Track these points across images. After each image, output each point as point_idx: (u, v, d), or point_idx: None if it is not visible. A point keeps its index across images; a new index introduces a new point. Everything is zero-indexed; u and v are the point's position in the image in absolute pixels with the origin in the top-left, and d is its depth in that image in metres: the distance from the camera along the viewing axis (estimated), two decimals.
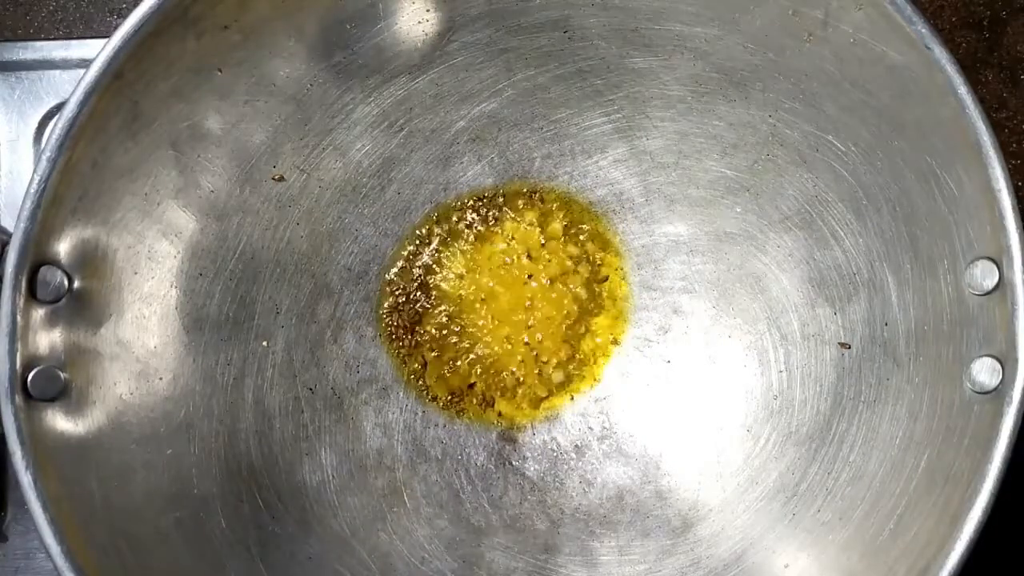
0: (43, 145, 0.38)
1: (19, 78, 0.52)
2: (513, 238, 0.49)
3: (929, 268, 0.40)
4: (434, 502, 0.47)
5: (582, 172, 0.49)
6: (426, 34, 0.45)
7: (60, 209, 0.38)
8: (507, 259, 0.49)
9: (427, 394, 0.49)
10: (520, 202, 0.49)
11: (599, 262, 0.49)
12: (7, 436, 0.37)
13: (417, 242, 0.49)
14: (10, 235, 0.37)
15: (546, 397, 0.49)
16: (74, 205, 0.39)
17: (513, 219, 0.49)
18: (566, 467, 0.48)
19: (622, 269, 0.49)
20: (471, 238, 0.49)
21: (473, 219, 0.49)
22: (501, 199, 0.49)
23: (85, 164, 0.39)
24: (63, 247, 0.39)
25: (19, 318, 0.37)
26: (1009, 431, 0.35)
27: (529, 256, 0.49)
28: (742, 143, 0.46)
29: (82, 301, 0.40)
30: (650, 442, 0.48)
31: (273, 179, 0.46)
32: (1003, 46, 0.55)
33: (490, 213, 0.49)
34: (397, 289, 0.49)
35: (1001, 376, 0.36)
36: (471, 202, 0.49)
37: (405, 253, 0.49)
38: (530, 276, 0.49)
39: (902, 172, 0.41)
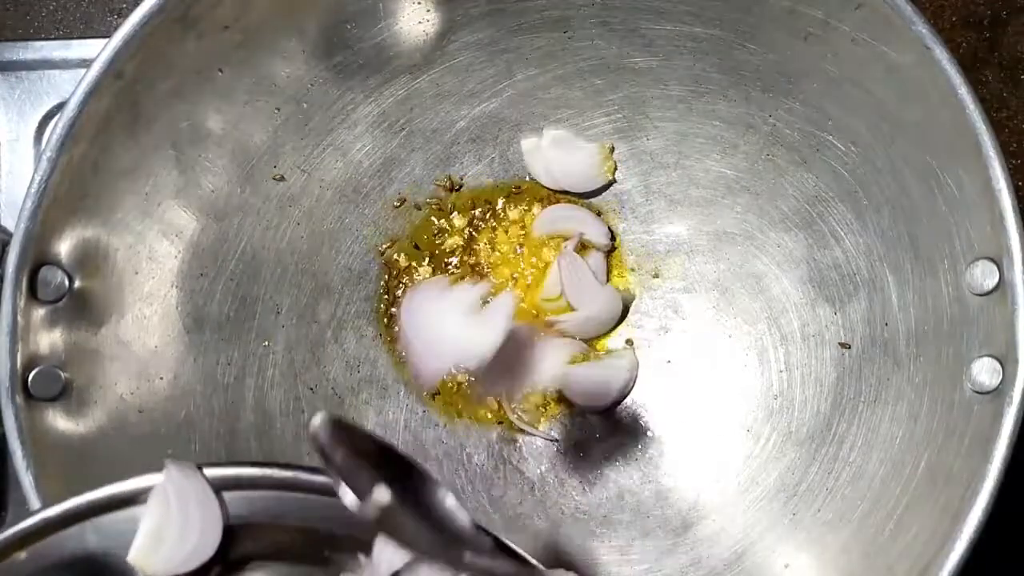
0: (44, 145, 0.38)
1: (19, 78, 0.53)
2: (513, 238, 0.49)
3: (929, 268, 0.40)
4: None
5: None
6: (427, 34, 0.45)
7: (61, 209, 0.38)
8: (508, 259, 0.49)
9: (427, 394, 0.49)
10: (520, 202, 0.49)
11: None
12: (8, 436, 0.37)
13: (417, 242, 0.49)
14: (11, 235, 0.37)
15: (547, 402, 0.49)
16: (75, 205, 0.39)
17: (513, 219, 0.49)
18: (566, 467, 0.48)
19: (622, 269, 0.49)
20: (472, 238, 0.49)
21: (474, 219, 0.49)
22: (502, 199, 0.49)
23: (86, 164, 0.39)
24: (64, 247, 0.39)
25: (20, 318, 0.37)
26: (1009, 431, 0.35)
27: (529, 256, 0.49)
28: (742, 143, 0.46)
29: (83, 301, 0.40)
30: (650, 442, 0.48)
31: (274, 179, 0.46)
32: (1003, 46, 0.55)
33: (490, 213, 0.49)
34: (398, 289, 0.49)
35: (1001, 376, 0.36)
36: (472, 202, 0.49)
37: (406, 253, 0.49)
38: (530, 276, 0.49)
39: (902, 172, 0.41)
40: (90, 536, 0.29)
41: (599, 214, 0.49)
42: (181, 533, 0.29)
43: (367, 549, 0.30)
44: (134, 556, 0.29)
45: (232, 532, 0.30)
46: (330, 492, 0.29)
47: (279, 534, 0.30)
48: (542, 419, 0.49)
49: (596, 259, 0.48)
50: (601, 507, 0.47)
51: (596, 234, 0.48)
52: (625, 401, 0.49)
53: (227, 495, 0.30)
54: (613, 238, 0.49)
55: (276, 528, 0.30)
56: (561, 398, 0.48)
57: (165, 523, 0.29)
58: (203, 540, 0.29)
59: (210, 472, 0.29)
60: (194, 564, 0.29)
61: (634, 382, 0.48)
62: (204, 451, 0.43)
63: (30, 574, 0.29)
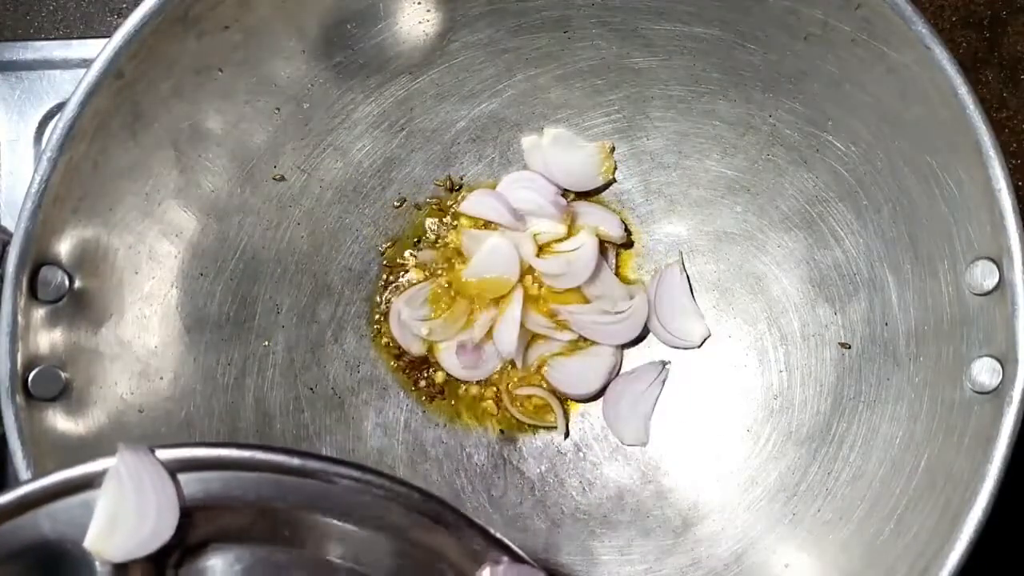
0: (44, 145, 0.38)
1: (19, 78, 0.53)
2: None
3: (929, 268, 0.40)
4: None
5: None
6: (427, 34, 0.45)
7: (61, 209, 0.38)
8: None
9: (426, 395, 0.49)
10: None
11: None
12: (8, 436, 0.37)
13: (417, 242, 0.49)
14: (11, 235, 0.37)
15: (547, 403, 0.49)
16: (75, 205, 0.39)
17: None
18: (566, 467, 0.48)
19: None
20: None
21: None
22: None
23: (86, 164, 0.39)
24: (64, 247, 0.39)
25: (20, 318, 0.37)
26: (1009, 431, 0.35)
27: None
28: (742, 143, 0.46)
29: (83, 301, 0.40)
30: (650, 442, 0.48)
31: (274, 179, 0.46)
32: (1003, 46, 0.55)
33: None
34: (395, 290, 0.49)
35: (1001, 376, 0.36)
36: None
37: (406, 253, 0.49)
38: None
39: (902, 172, 0.41)
40: (44, 523, 0.29)
41: None
42: (137, 516, 0.28)
43: (326, 528, 0.30)
44: (90, 541, 0.28)
45: (190, 515, 0.29)
46: (287, 471, 0.29)
47: (238, 515, 0.30)
48: (543, 418, 0.49)
49: (609, 256, 0.49)
50: (601, 507, 0.47)
51: (611, 226, 0.48)
52: None
53: (182, 477, 0.29)
54: (628, 232, 0.49)
55: (234, 509, 0.30)
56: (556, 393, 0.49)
57: (120, 507, 0.28)
58: (160, 523, 0.29)
59: (164, 454, 0.29)
60: (152, 548, 0.28)
61: (617, 370, 0.48)
62: None
63: None
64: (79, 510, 0.29)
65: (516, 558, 0.29)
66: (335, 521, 0.30)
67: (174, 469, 0.29)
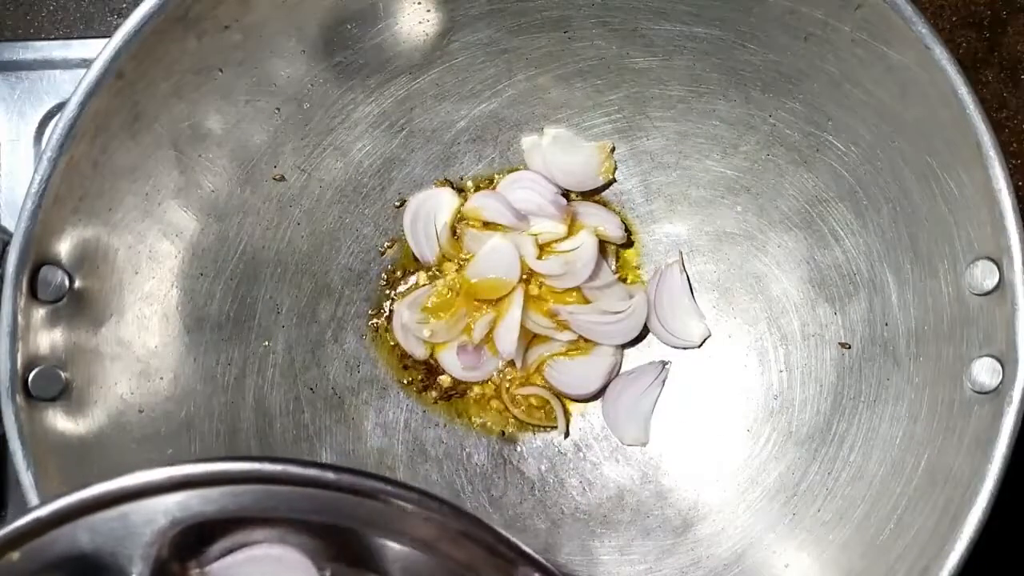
0: (44, 145, 0.38)
1: (19, 78, 0.52)
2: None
3: (929, 268, 0.40)
4: None
5: None
6: (427, 34, 0.45)
7: (61, 209, 0.38)
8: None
9: (432, 399, 0.49)
10: None
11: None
12: (8, 435, 0.37)
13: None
14: (11, 235, 0.37)
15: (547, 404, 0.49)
16: (75, 205, 0.39)
17: None
18: (566, 467, 0.48)
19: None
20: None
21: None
22: None
23: (86, 164, 0.39)
24: (64, 247, 0.39)
25: (20, 318, 0.37)
26: (1009, 431, 0.35)
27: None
28: (742, 143, 0.46)
29: (83, 301, 0.40)
30: (650, 442, 0.48)
31: (274, 179, 0.46)
32: (1003, 46, 0.55)
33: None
34: (399, 286, 0.49)
35: (1001, 376, 0.36)
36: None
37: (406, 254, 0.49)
38: (530, 276, 0.48)
39: (902, 172, 0.41)
40: (82, 535, 0.29)
41: None
42: None
43: (356, 541, 0.30)
44: None
45: (223, 527, 0.29)
46: (319, 484, 0.29)
47: (269, 528, 0.30)
48: (543, 418, 0.49)
49: (609, 256, 0.49)
50: (601, 507, 0.47)
51: (611, 227, 0.48)
52: None
53: (216, 490, 0.29)
54: (628, 232, 0.49)
55: (266, 522, 0.30)
56: (556, 393, 0.49)
57: None
58: None
59: (199, 468, 0.29)
60: None
61: (617, 370, 0.48)
62: (204, 451, 0.43)
63: (24, 574, 0.29)
64: (115, 523, 0.29)
65: (547, 573, 0.29)
66: (365, 534, 0.30)
67: (207, 483, 0.29)
